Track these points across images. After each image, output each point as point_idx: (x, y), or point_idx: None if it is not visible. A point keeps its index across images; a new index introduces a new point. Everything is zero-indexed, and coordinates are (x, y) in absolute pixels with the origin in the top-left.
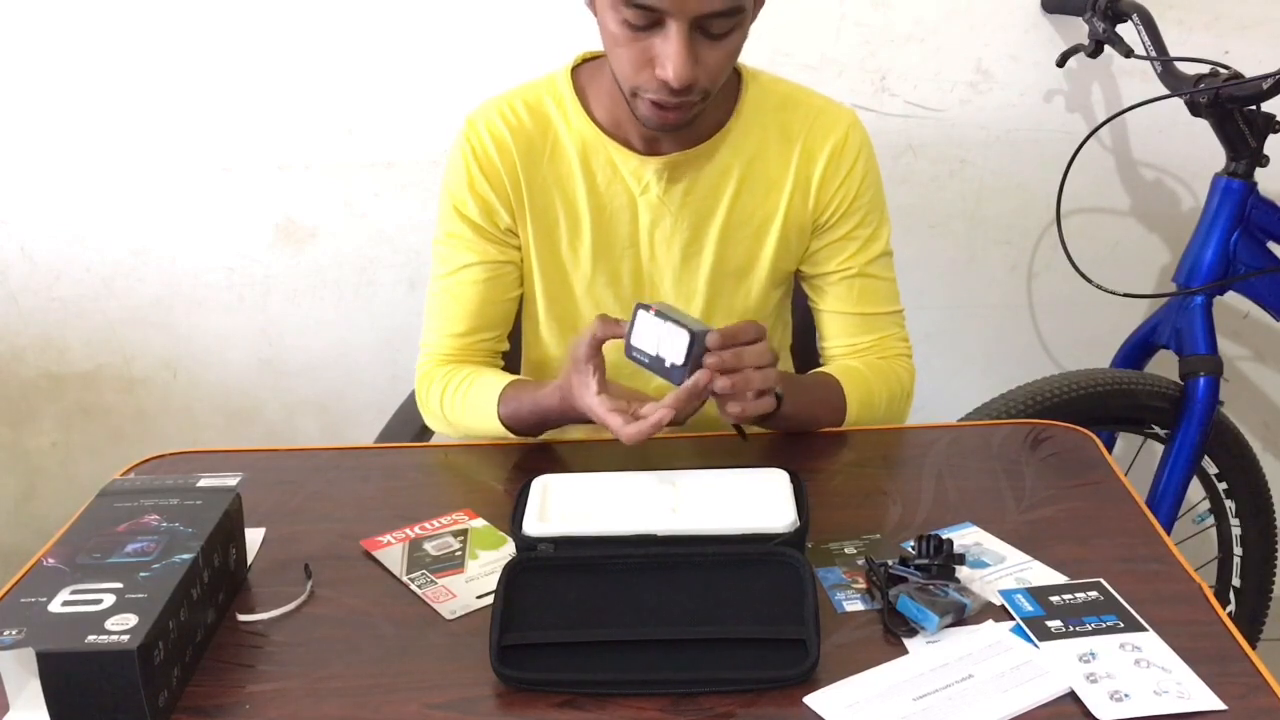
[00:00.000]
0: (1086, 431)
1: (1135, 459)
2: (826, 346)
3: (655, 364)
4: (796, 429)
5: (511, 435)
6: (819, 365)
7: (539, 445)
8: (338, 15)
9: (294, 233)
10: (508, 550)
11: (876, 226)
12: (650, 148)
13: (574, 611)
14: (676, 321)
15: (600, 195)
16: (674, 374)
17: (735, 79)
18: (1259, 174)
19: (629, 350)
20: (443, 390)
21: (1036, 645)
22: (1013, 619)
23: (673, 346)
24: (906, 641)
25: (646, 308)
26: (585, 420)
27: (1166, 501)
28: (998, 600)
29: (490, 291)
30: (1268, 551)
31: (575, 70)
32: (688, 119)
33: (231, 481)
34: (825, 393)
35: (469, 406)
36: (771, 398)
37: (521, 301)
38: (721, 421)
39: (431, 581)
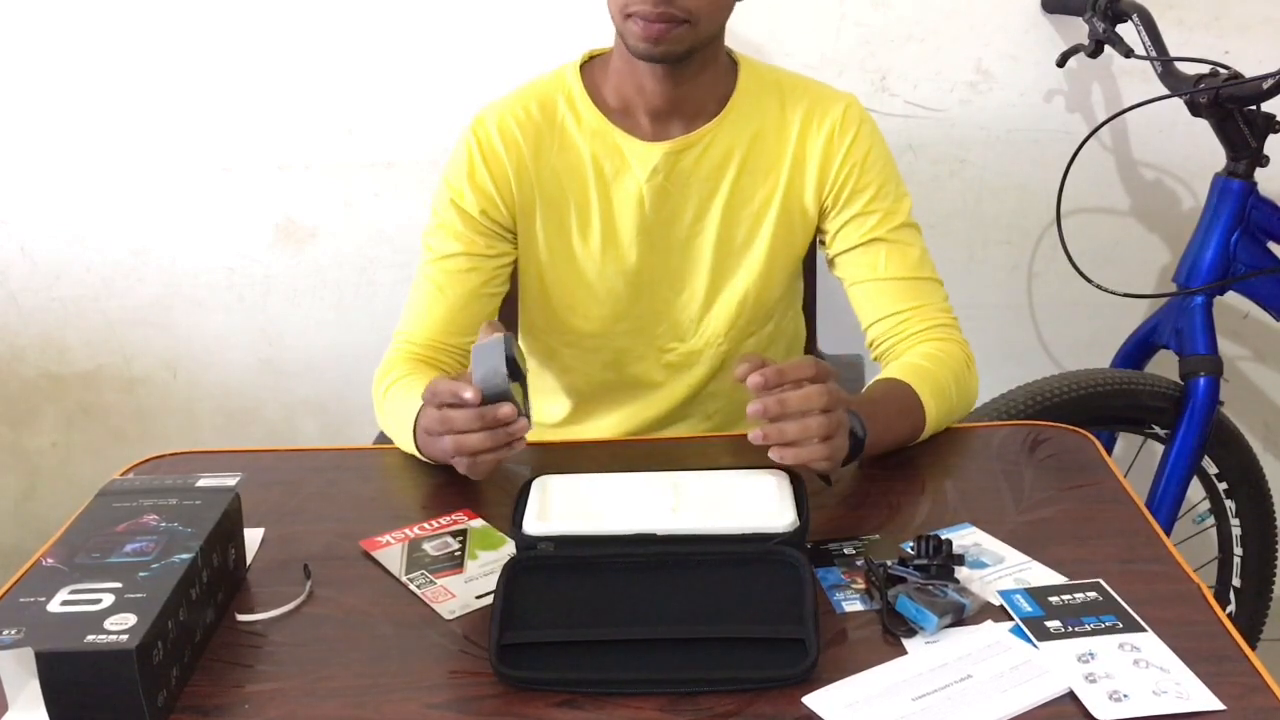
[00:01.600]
0: (1085, 433)
1: (1135, 459)
2: (869, 328)
3: (522, 382)
4: (886, 452)
5: (418, 453)
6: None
7: (539, 445)
8: (338, 15)
9: (294, 233)
10: (507, 550)
11: (895, 200)
12: (657, 132)
13: (574, 611)
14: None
15: (609, 185)
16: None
17: (731, 64)
18: (1259, 174)
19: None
20: (391, 383)
21: (1035, 645)
22: (1012, 619)
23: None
24: (905, 642)
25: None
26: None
27: (1166, 501)
28: (997, 600)
29: (472, 283)
30: (1268, 551)
31: (583, 66)
32: (676, 44)
33: (230, 481)
34: (901, 401)
35: (396, 413)
36: (841, 440)
37: (520, 300)
38: (716, 424)
39: (430, 581)
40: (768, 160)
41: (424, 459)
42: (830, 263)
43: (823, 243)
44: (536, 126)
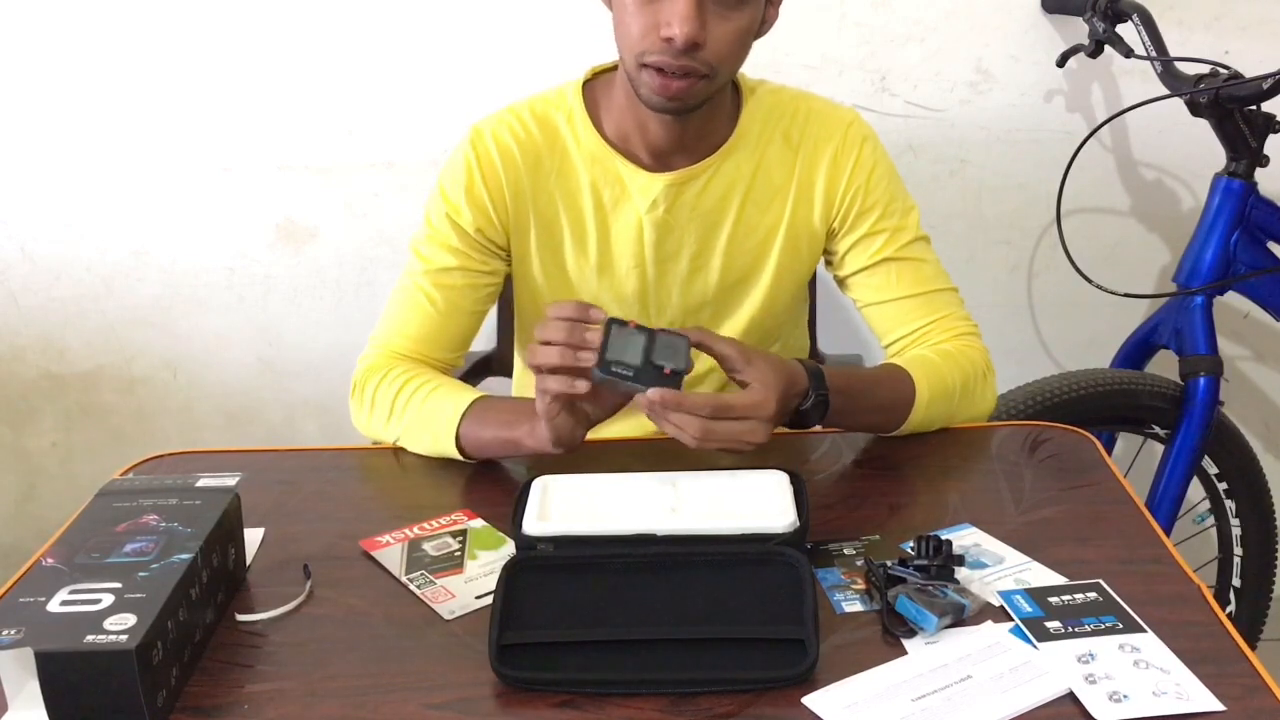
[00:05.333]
0: (1085, 433)
1: (1135, 459)
2: (887, 345)
3: (642, 375)
4: (857, 430)
5: (456, 454)
6: None
7: None
8: (338, 15)
9: (294, 233)
10: (506, 551)
11: (902, 215)
12: (658, 164)
13: (573, 611)
14: (660, 330)
15: (607, 213)
16: (673, 380)
17: (736, 93)
18: (1259, 174)
19: (606, 367)
20: (399, 389)
21: (1035, 646)
22: (1011, 620)
23: (672, 353)
24: (905, 642)
25: (622, 323)
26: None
27: (1166, 501)
28: (997, 601)
29: (460, 298)
30: (1268, 551)
31: (586, 85)
32: (692, 98)
33: (230, 481)
34: (889, 390)
35: (425, 413)
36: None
37: (515, 315)
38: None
39: (430, 582)
40: (772, 188)
41: (463, 458)
42: (840, 283)
43: (829, 263)
44: (536, 147)
